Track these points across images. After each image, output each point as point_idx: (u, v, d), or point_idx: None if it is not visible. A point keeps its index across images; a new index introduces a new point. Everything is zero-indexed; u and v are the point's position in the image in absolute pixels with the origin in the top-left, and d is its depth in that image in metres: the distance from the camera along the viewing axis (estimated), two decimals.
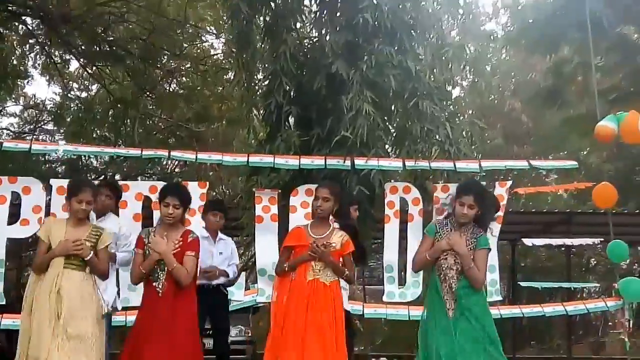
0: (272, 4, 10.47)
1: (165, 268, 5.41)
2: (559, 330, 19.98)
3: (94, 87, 19.70)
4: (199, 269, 6.11)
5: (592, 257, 23.66)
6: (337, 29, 10.12)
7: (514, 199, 18.12)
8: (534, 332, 20.79)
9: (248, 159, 8.52)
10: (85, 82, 19.97)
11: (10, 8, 15.37)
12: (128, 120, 17.92)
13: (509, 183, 8.71)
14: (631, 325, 18.64)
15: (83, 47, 16.97)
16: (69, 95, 20.15)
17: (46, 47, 17.57)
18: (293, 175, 9.23)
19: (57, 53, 18.24)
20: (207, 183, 8.41)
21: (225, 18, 14.54)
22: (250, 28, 10.46)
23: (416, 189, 8.42)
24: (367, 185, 8.85)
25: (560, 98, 17.32)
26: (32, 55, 18.78)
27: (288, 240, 5.73)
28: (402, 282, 8.41)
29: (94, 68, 17.94)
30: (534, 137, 22.79)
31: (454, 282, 5.25)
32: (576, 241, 12.23)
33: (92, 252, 5.38)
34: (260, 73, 11.92)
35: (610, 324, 23.00)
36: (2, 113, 20.46)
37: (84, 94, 20.26)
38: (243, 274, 7.87)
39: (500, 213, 7.49)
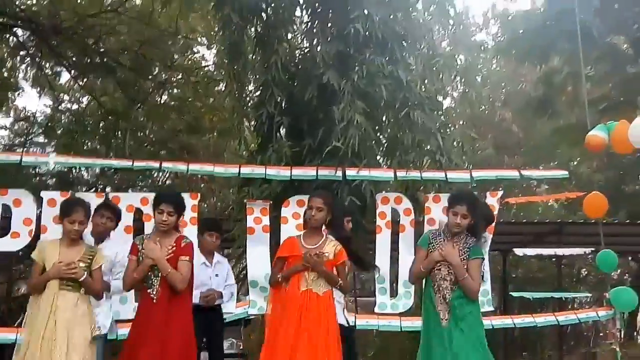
0: (264, 15, 10.48)
1: (159, 274, 5.40)
2: (550, 340, 19.96)
3: (85, 99, 19.63)
4: (200, 294, 6.15)
5: (583, 268, 23.65)
6: (329, 39, 10.13)
7: (505, 209, 18.17)
8: (526, 343, 20.72)
9: (239, 169, 8.50)
10: (76, 94, 19.88)
11: (0, 20, 15.33)
12: (119, 132, 17.89)
13: (500, 193, 8.70)
14: (623, 336, 18.68)
15: (74, 59, 16.94)
16: (59, 107, 20.07)
17: (37, 59, 17.52)
18: (284, 186, 9.20)
19: (47, 65, 18.18)
20: (199, 194, 8.38)
21: (216, 29, 14.55)
22: (241, 39, 10.46)
23: (408, 200, 8.42)
24: (358, 196, 8.84)
25: (551, 108, 17.41)
26: (22, 67, 18.73)
27: (281, 250, 5.72)
28: (393, 293, 8.39)
29: (85, 80, 17.91)
30: (524, 147, 22.83)
31: (448, 292, 5.26)
32: (567, 251, 12.26)
33: (86, 273, 5.37)
34: (252, 84, 11.92)
35: (601, 334, 22.99)
36: None
37: (74, 106, 20.18)
38: (235, 285, 7.82)
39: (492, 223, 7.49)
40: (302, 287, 5.47)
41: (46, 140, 19.90)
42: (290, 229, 7.71)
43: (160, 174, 18.85)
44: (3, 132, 21.12)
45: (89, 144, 18.82)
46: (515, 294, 14.82)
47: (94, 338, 5.42)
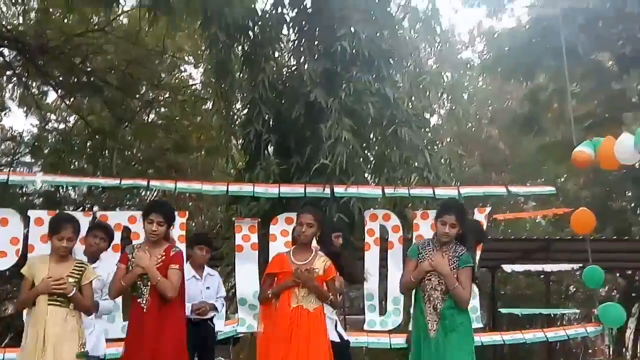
0: (251, 33, 10.53)
1: (149, 283, 5.39)
2: (539, 357, 19.92)
3: (72, 119, 19.54)
4: (191, 307, 6.16)
5: (571, 284, 23.70)
6: (316, 57, 10.20)
7: (493, 226, 18.20)
8: None
9: (227, 187, 8.51)
10: (63, 113, 19.79)
11: None
12: (106, 151, 17.80)
13: (488, 209, 8.73)
14: (611, 352, 18.71)
15: (61, 78, 16.89)
16: (46, 126, 19.98)
17: (23, 79, 17.46)
18: (273, 203, 9.21)
19: (34, 84, 18.11)
20: (187, 212, 8.37)
21: (203, 48, 14.56)
22: (228, 57, 10.51)
23: (396, 216, 8.43)
24: (346, 213, 8.86)
25: (537, 125, 17.49)
26: (9, 86, 18.65)
27: (271, 267, 5.69)
28: (382, 310, 8.38)
29: (72, 99, 17.84)
30: (511, 164, 22.90)
31: (439, 302, 5.24)
32: (555, 267, 12.28)
33: (75, 289, 5.33)
34: (239, 102, 11.94)
35: (590, 351, 23.02)
36: None
37: (61, 126, 20.09)
38: (225, 296, 7.79)
39: None
40: (293, 304, 5.45)
41: (33, 160, 19.78)
42: (278, 246, 7.70)
43: (148, 192, 18.77)
44: None
45: (76, 163, 18.70)
46: (504, 310, 14.83)
47: (81, 354, 5.37)
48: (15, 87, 18.53)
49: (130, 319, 5.55)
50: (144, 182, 8.66)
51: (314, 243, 5.73)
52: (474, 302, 8.14)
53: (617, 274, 22.53)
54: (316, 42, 10.55)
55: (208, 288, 7.21)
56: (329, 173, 8.94)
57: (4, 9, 16.18)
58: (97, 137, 17.59)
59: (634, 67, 14.36)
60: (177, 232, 7.35)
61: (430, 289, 5.28)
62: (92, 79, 16.39)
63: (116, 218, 7.89)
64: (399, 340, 8.05)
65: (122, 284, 5.48)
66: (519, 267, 13.11)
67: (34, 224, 7.50)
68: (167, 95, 18.08)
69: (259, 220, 8.34)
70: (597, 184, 19.86)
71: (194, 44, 16.76)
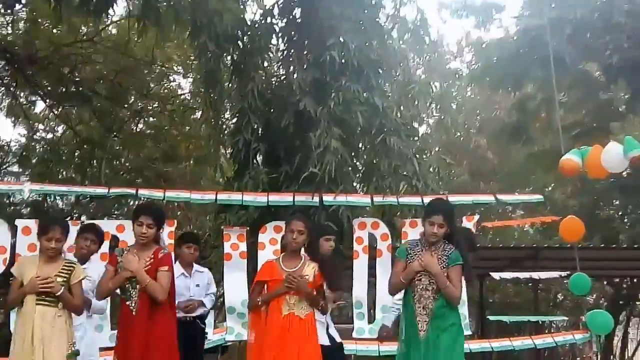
0: (240, 43, 10.55)
1: (138, 286, 5.37)
2: None
3: (60, 128, 19.48)
4: (178, 304, 6.10)
5: (559, 292, 23.80)
6: (305, 66, 10.23)
7: (482, 234, 18.26)
8: None
9: (216, 196, 8.52)
10: (52, 123, 19.72)
11: None
12: (95, 161, 17.76)
13: (477, 217, 8.77)
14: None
15: (49, 88, 16.85)
16: (34, 136, 19.93)
17: (12, 89, 17.42)
18: (261, 212, 9.22)
19: (22, 94, 18.06)
20: (175, 221, 8.37)
21: (192, 57, 14.58)
22: (217, 66, 10.53)
23: (384, 225, 8.46)
24: (335, 221, 8.85)
25: (525, 134, 17.57)
26: None
27: (261, 274, 5.67)
28: (371, 318, 8.40)
29: (60, 109, 17.80)
30: (499, 173, 23.01)
31: (430, 302, 5.25)
32: (543, 274, 12.32)
33: (63, 288, 5.33)
34: (228, 111, 11.96)
35: (578, 358, 23.09)
36: None
37: (49, 135, 20.03)
38: (212, 312, 7.78)
39: None
40: (284, 311, 5.44)
41: (21, 170, 19.71)
42: (267, 254, 7.71)
43: (136, 201, 18.72)
44: None
45: (64, 173, 18.64)
46: (492, 318, 14.87)
47: (72, 354, 5.37)
48: (4, 97, 18.48)
49: (120, 323, 5.54)
50: (132, 191, 8.66)
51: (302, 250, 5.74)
52: (463, 309, 8.17)
53: (605, 282, 22.63)
54: (305, 52, 10.59)
55: (198, 285, 7.23)
56: (318, 182, 8.95)
57: None
58: (85, 146, 17.56)
59: (621, 76, 14.45)
60: (166, 240, 7.33)
61: (421, 289, 5.28)
62: (80, 88, 16.35)
63: (104, 227, 7.76)
64: (388, 348, 8.06)
65: (110, 285, 5.48)
66: (507, 275, 13.14)
67: (22, 233, 7.51)
68: (156, 105, 18.05)
69: (248, 228, 8.36)
70: (584, 192, 19.96)
71: (183, 54, 16.76)
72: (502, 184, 21.09)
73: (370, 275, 8.34)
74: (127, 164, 18.69)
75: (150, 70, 16.98)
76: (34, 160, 19.04)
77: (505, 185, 20.28)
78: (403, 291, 5.48)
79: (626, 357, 24.06)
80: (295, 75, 10.15)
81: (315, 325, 5.61)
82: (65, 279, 5.39)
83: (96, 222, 8.30)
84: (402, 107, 10.83)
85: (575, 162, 7.93)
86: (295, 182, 9.37)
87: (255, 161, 10.16)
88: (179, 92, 18.67)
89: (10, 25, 16.25)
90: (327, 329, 6.30)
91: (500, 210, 21.26)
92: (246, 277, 8.00)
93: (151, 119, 18.71)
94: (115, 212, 18.39)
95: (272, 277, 5.54)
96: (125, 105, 17.59)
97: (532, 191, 18.73)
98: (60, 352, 5.27)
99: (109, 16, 13.65)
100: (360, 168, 10.70)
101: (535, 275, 13.09)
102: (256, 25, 10.76)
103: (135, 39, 14.33)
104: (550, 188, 21.33)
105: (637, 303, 23.63)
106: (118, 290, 5.58)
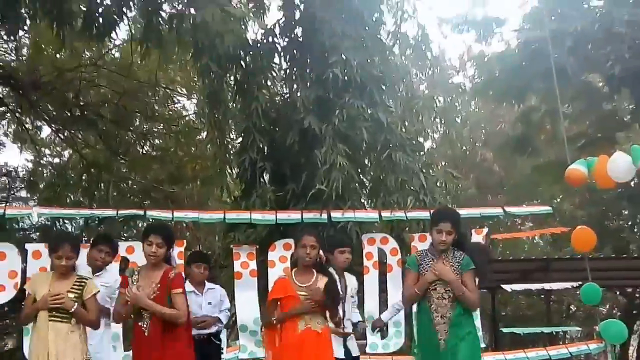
0: (242, 63, 10.59)
1: (155, 291, 5.35)
2: None
3: (67, 153, 19.58)
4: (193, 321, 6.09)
5: (571, 304, 23.71)
6: (308, 84, 10.26)
7: (492, 247, 18.20)
8: None
9: (224, 215, 8.50)
10: (58, 147, 19.83)
11: None
12: (102, 184, 17.80)
13: (485, 230, 8.75)
14: None
15: (54, 113, 16.92)
16: (41, 161, 20.01)
17: (17, 115, 17.51)
18: (270, 230, 9.23)
19: (28, 120, 18.16)
20: (185, 241, 8.37)
21: (195, 79, 14.63)
22: (221, 87, 10.58)
23: (394, 240, 8.44)
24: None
25: (530, 146, 17.55)
26: (3, 123, 18.68)
27: (274, 292, 5.60)
28: (384, 333, 8.36)
29: (66, 133, 17.87)
30: (506, 186, 22.99)
31: (448, 310, 5.22)
32: (554, 285, 12.25)
33: (76, 304, 5.33)
34: (233, 131, 11.99)
35: None
36: None
37: (56, 160, 20.13)
38: (224, 330, 7.75)
39: None
40: (301, 327, 5.41)
41: (28, 195, 19.79)
42: (277, 272, 7.67)
43: (145, 223, 18.73)
44: None
45: (72, 197, 18.66)
46: (505, 330, 14.79)
47: None
48: (9, 123, 18.59)
49: (133, 345, 5.52)
50: (140, 212, 8.66)
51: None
52: (476, 321, 8.13)
53: (617, 292, 22.54)
54: (308, 70, 10.61)
55: (210, 303, 7.18)
56: (325, 199, 8.95)
57: None
58: (92, 170, 17.59)
59: (624, 86, 14.45)
60: (176, 260, 7.33)
61: (438, 298, 5.25)
62: (85, 112, 16.44)
63: None
64: None
65: (124, 315, 5.48)
66: (518, 287, 13.09)
67: (32, 257, 7.50)
68: (161, 127, 18.13)
69: (257, 247, 8.34)
70: (592, 203, 19.92)
71: (186, 76, 16.84)
72: (509, 197, 21.06)
73: (381, 290, 8.31)
74: (134, 187, 18.73)
75: (154, 93, 17.05)
76: (41, 185, 19.12)
77: (513, 198, 20.23)
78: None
79: None
80: (298, 94, 10.20)
81: (330, 339, 5.59)
82: (77, 295, 5.40)
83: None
84: (406, 122, 10.85)
85: (581, 172, 7.91)
86: (303, 199, 9.38)
87: (262, 180, 10.17)
88: (184, 113, 18.75)
89: (13, 51, 16.35)
90: (345, 341, 6.29)
91: (508, 223, 21.23)
92: (257, 295, 7.98)
93: (157, 141, 18.76)
94: (124, 235, 18.41)
95: (286, 293, 5.50)
96: (131, 128, 17.65)
97: (540, 203, 18.70)
98: None
99: (111, 40, 13.78)
100: (367, 184, 10.70)
101: (547, 286, 13.03)
102: (258, 45, 10.82)
103: (139, 62, 14.42)
104: (558, 200, 21.30)
105: None
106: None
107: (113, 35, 11.80)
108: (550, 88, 10.84)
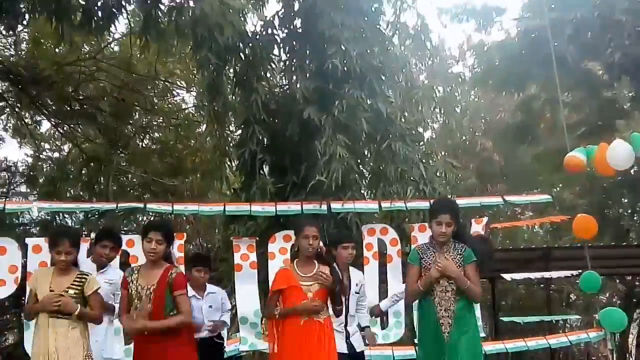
0: (242, 55, 10.56)
1: (149, 307, 5.31)
2: None
3: (66, 147, 19.60)
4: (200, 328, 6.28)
5: (571, 292, 23.75)
6: (307, 75, 10.23)
7: (492, 236, 18.21)
8: None
9: (224, 207, 8.48)
10: (57, 142, 19.86)
11: None
12: (101, 178, 17.84)
13: (485, 219, 8.74)
14: (615, 358, 18.68)
15: (54, 107, 16.94)
16: (41, 156, 20.03)
17: (17, 109, 17.52)
18: (270, 222, 9.22)
19: (28, 114, 18.19)
20: (185, 234, 8.36)
21: (195, 71, 14.62)
22: (220, 79, 10.54)
23: (393, 230, 8.42)
24: (344, 229, 8.84)
25: (530, 134, 17.58)
26: (2, 117, 18.70)
27: (277, 283, 5.58)
28: (384, 324, 8.36)
29: (66, 127, 17.89)
30: (506, 175, 22.99)
31: (452, 304, 5.21)
32: (554, 274, 12.27)
33: (79, 307, 5.34)
34: (233, 123, 11.98)
35: (594, 358, 23.01)
36: None
37: (56, 154, 20.14)
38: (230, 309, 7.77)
39: None
40: (304, 317, 5.41)
41: (28, 190, 19.82)
42: (277, 264, 7.67)
43: (145, 217, 18.77)
44: None
45: (72, 191, 18.72)
46: (505, 319, 14.82)
47: None
48: (9, 118, 18.60)
49: (135, 345, 5.50)
50: (140, 205, 8.66)
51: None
52: (477, 312, 8.15)
53: (617, 280, 22.58)
54: (307, 61, 10.59)
55: (210, 306, 7.20)
56: (325, 189, 8.95)
57: None
58: (92, 164, 17.63)
59: (623, 74, 14.44)
60: (175, 253, 7.33)
61: (441, 291, 5.22)
62: (85, 106, 16.47)
63: None
64: (402, 353, 8.05)
65: (124, 326, 5.54)
66: (518, 276, 13.10)
67: (32, 252, 7.49)
68: (160, 120, 18.14)
69: (257, 239, 8.32)
70: (593, 191, 19.94)
71: (186, 68, 16.83)
72: (509, 186, 21.08)
73: (381, 281, 8.31)
74: (134, 180, 18.76)
75: (153, 86, 17.06)
76: (41, 180, 19.14)
77: (513, 187, 20.26)
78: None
79: None
80: (298, 85, 10.17)
81: (333, 329, 5.60)
82: (77, 291, 5.40)
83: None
84: (406, 113, 10.84)
85: (580, 159, 7.90)
86: (303, 190, 9.37)
87: (261, 172, 10.17)
88: (183, 106, 18.76)
89: (13, 46, 16.35)
90: (348, 337, 6.31)
91: (508, 212, 21.24)
92: (257, 288, 7.99)
93: (156, 134, 18.78)
94: (125, 228, 18.44)
95: (288, 284, 5.49)
96: (130, 122, 17.68)
97: (539, 192, 18.71)
98: None
99: (110, 34, 13.77)
100: (366, 174, 10.69)
101: (547, 275, 13.05)
102: (257, 37, 10.79)
103: (138, 55, 14.42)
104: (558, 188, 21.32)
105: None
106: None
107: (112, 28, 11.82)
108: (550, 76, 10.83)
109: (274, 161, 10.25)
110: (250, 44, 10.61)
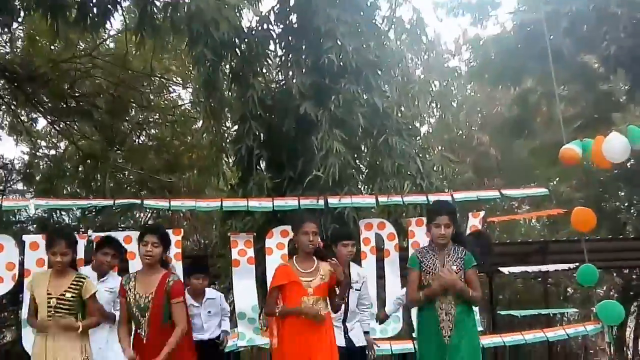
0: (237, 50, 10.55)
1: (146, 314, 5.32)
2: None
3: (63, 144, 19.60)
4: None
5: (569, 286, 23.79)
6: (303, 70, 10.23)
7: (489, 229, 18.24)
8: None
9: (221, 203, 8.45)
10: (54, 139, 19.85)
11: None
12: (98, 175, 17.82)
13: (482, 213, 8.74)
14: (613, 351, 18.73)
15: (50, 105, 16.91)
16: (37, 153, 20.02)
17: (13, 107, 17.49)
18: (267, 217, 9.20)
19: (24, 112, 18.16)
20: (182, 230, 8.35)
21: (191, 67, 14.61)
22: (216, 75, 10.52)
23: (391, 225, 8.41)
24: (341, 224, 8.85)
25: (527, 128, 17.58)
26: None
27: (277, 279, 5.54)
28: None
29: (62, 125, 17.87)
30: (503, 169, 23.02)
31: (452, 307, 5.21)
32: (552, 267, 12.28)
33: (80, 325, 5.36)
34: (229, 119, 11.98)
35: (591, 351, 23.05)
36: None
37: (52, 152, 20.14)
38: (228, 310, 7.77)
39: None
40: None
41: (25, 188, 19.82)
42: (275, 259, 7.68)
43: (142, 214, 18.79)
44: None
45: (69, 188, 18.72)
46: (503, 313, 14.83)
47: None
48: (5, 116, 18.57)
49: (133, 349, 5.44)
50: (137, 201, 8.62)
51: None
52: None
53: (614, 274, 22.62)
54: (303, 56, 10.58)
55: (209, 312, 7.18)
56: (322, 184, 8.95)
57: None
58: (88, 161, 17.62)
59: (619, 66, 14.44)
60: (173, 250, 7.32)
61: (442, 295, 5.23)
62: (81, 103, 16.45)
63: None
64: (400, 347, 8.07)
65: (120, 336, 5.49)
66: (516, 269, 13.11)
67: (29, 249, 7.48)
68: (156, 117, 18.13)
69: (255, 234, 8.32)
70: (589, 185, 19.96)
71: (182, 65, 16.83)
72: (506, 180, 21.11)
73: (379, 276, 8.32)
74: (130, 177, 18.75)
75: (149, 82, 17.05)
76: (38, 177, 19.14)
77: (510, 181, 20.29)
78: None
79: (639, 347, 24.01)
80: (294, 80, 10.15)
81: (332, 324, 5.61)
82: (75, 294, 5.40)
83: (103, 234, 8.30)
84: (402, 107, 10.85)
85: (575, 151, 7.88)
86: (300, 186, 9.37)
87: (258, 167, 10.17)
88: (179, 102, 18.74)
89: (8, 44, 16.32)
90: (347, 332, 6.31)
91: (505, 206, 21.27)
92: (255, 283, 7.99)
93: (153, 130, 18.77)
94: (122, 226, 18.45)
95: (289, 279, 5.46)
96: (127, 118, 17.67)
97: (536, 185, 18.74)
98: None
99: (106, 30, 13.74)
100: (363, 169, 10.69)
101: (544, 268, 13.06)
102: (253, 32, 10.78)
103: (133, 52, 14.40)
104: (555, 182, 21.34)
105: None
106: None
107: (107, 25, 11.78)
108: (546, 70, 10.83)
109: (270, 157, 10.24)
110: (246, 40, 10.60)
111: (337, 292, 5.60)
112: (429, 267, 5.33)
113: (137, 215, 18.35)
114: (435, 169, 10.77)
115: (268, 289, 5.80)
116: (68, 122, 17.60)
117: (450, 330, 5.20)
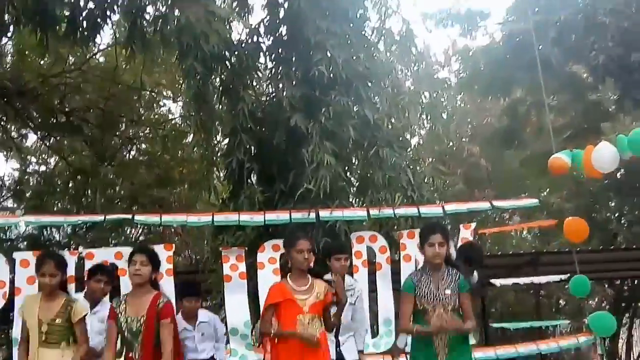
0: (227, 63, 10.54)
1: (139, 336, 5.27)
2: None
3: (53, 160, 19.50)
4: None
5: (560, 298, 23.75)
6: (294, 83, 10.22)
7: (480, 241, 18.22)
8: None
9: (213, 218, 8.41)
10: (44, 155, 19.74)
11: None
12: (89, 191, 17.74)
13: (473, 225, 8.74)
14: None
15: (40, 120, 16.85)
16: (27, 169, 19.92)
17: (2, 122, 17.41)
18: (259, 232, 9.17)
19: (13, 128, 18.09)
20: (173, 245, 8.30)
21: (181, 81, 14.59)
22: (206, 88, 10.52)
23: (382, 237, 8.40)
24: (333, 237, 8.82)
25: (517, 139, 17.59)
26: None
27: (271, 297, 5.51)
28: (374, 332, 8.33)
29: (52, 140, 17.80)
30: (494, 180, 23.00)
31: (446, 334, 5.18)
32: (543, 278, 12.25)
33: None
34: (220, 133, 11.96)
35: None
36: None
37: (42, 168, 20.03)
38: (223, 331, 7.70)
39: None
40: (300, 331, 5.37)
41: (15, 205, 19.70)
42: (267, 274, 7.66)
43: (133, 230, 18.69)
44: None
45: (59, 204, 18.59)
46: (495, 325, 14.76)
47: None
48: None
49: None
50: (128, 216, 8.58)
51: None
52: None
53: (606, 285, 22.59)
54: (293, 69, 10.58)
55: (203, 334, 7.10)
56: (313, 198, 8.94)
57: None
58: (79, 177, 17.53)
59: (608, 76, 14.48)
60: (164, 265, 7.25)
61: (437, 318, 5.19)
62: (71, 118, 16.38)
63: (102, 255, 7.80)
64: None
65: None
66: (507, 281, 13.08)
67: (20, 266, 7.43)
68: (147, 131, 18.07)
69: (246, 248, 8.28)
70: (579, 195, 19.96)
71: (172, 78, 16.80)
72: (497, 191, 21.08)
73: (371, 290, 8.28)
74: (121, 192, 18.64)
75: (139, 97, 17.01)
76: (28, 194, 19.01)
77: (501, 192, 20.27)
78: None
79: (632, 359, 23.97)
80: (284, 93, 10.16)
81: (327, 344, 5.60)
82: (65, 319, 5.39)
83: (94, 250, 8.25)
84: (392, 119, 10.85)
85: (563, 161, 7.88)
86: (291, 199, 9.35)
87: (249, 181, 10.15)
88: (170, 116, 18.71)
89: None
90: (338, 346, 6.28)
91: (497, 218, 21.25)
92: (247, 298, 7.94)
93: (143, 145, 18.70)
94: (113, 242, 18.33)
95: (284, 297, 5.42)
96: (117, 133, 17.59)
97: (527, 196, 18.74)
98: None
99: (96, 44, 13.70)
100: (354, 182, 10.69)
101: (536, 280, 13.02)
102: (243, 45, 10.79)
103: (123, 66, 14.36)
104: (545, 192, 21.34)
105: None
106: (120, 342, 5.47)
107: (97, 39, 11.78)
108: (535, 80, 10.84)
109: (261, 170, 10.22)
110: (236, 52, 10.60)
111: (335, 310, 5.57)
112: (424, 291, 5.30)
113: (129, 230, 18.26)
114: (426, 180, 10.76)
115: (262, 306, 5.74)
116: (58, 138, 17.54)
117: (445, 355, 5.17)
